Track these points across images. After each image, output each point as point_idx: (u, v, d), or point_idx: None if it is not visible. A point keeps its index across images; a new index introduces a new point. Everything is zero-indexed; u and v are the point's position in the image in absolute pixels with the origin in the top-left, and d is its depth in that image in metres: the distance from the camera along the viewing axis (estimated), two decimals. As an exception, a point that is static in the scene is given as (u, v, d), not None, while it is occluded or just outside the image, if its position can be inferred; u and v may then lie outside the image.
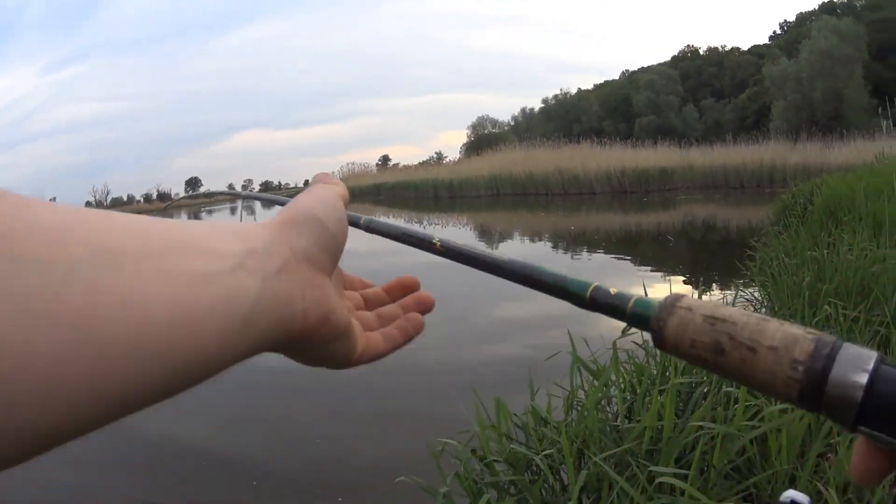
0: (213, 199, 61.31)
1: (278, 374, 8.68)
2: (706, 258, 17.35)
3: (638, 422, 4.05)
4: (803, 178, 20.98)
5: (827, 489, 3.64)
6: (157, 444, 6.89)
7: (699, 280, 13.43)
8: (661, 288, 5.70)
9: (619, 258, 17.88)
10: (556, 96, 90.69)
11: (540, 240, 23.39)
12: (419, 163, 65.45)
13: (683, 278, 14.16)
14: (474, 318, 12.08)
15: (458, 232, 27.39)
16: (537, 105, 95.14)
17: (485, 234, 26.60)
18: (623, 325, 0.71)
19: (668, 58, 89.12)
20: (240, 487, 6.14)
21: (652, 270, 15.42)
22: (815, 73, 52.55)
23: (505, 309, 12.60)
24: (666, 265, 16.37)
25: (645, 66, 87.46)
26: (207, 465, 6.65)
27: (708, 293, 6.35)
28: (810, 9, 78.60)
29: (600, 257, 18.35)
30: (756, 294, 7.91)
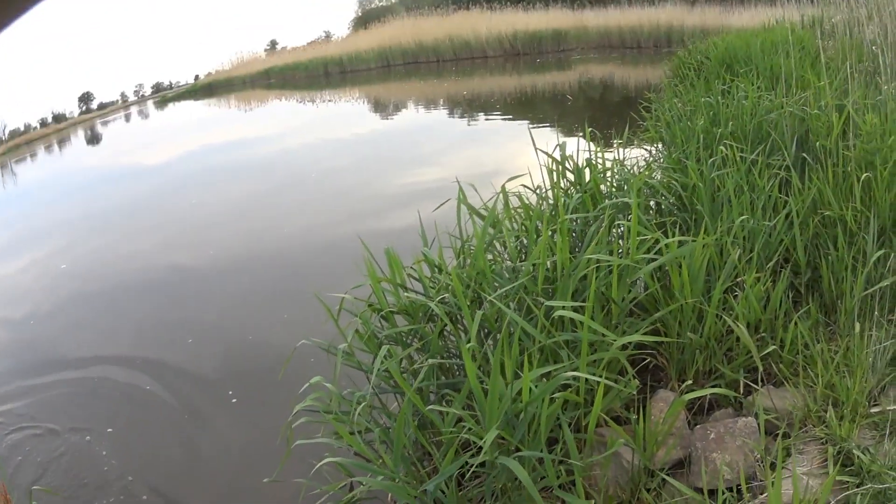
0: (106, 110, 59.80)
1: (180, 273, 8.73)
2: (605, 115, 17.21)
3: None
4: (701, 38, 21.05)
5: (737, 324, 3.67)
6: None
7: (600, 135, 13.49)
8: (567, 143, 5.67)
9: (516, 120, 17.79)
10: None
11: (435, 107, 23.21)
12: (307, 43, 63.99)
13: (582, 135, 14.20)
14: (366, 188, 12.00)
15: (352, 107, 27.08)
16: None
17: (379, 106, 26.34)
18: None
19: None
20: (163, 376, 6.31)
21: (551, 129, 15.36)
22: None
23: (399, 176, 12.56)
24: (565, 124, 16.26)
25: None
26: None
27: (608, 148, 6.32)
28: None
29: (497, 121, 18.28)
30: (654, 146, 7.88)
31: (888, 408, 3.28)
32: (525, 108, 20.29)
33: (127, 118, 52.34)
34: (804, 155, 5.73)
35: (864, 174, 4.70)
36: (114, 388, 6.36)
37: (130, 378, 6.45)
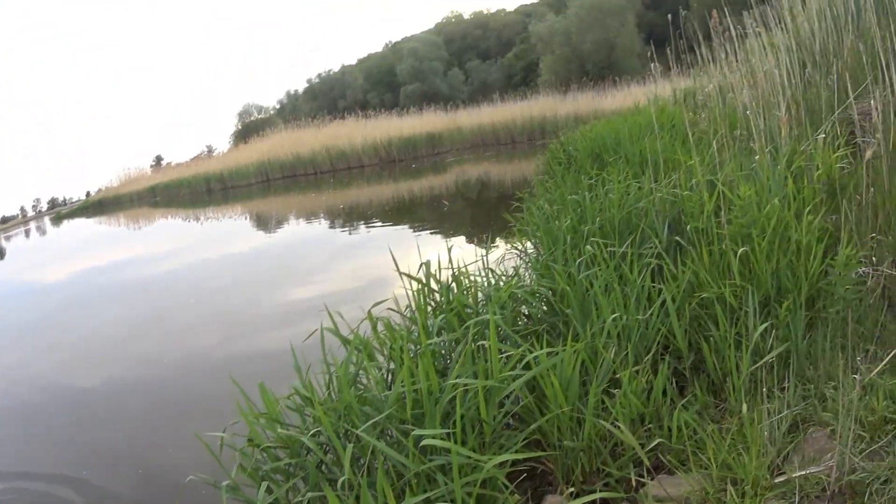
0: (7, 224, 59.69)
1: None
2: (483, 215, 17.50)
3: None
4: (574, 126, 21.42)
5: (616, 424, 3.75)
6: None
7: (478, 238, 13.66)
8: (440, 249, 5.77)
9: (396, 228, 17.96)
10: (319, 75, 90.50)
11: (315, 220, 23.30)
12: (191, 158, 64.64)
13: (464, 238, 14.46)
14: (249, 309, 12.02)
15: (235, 224, 27.09)
16: (302, 86, 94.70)
17: (261, 221, 26.38)
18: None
19: (431, 25, 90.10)
20: None
21: (431, 234, 15.63)
22: (584, 26, 54.04)
23: (281, 294, 12.61)
24: (444, 227, 16.54)
25: (409, 35, 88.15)
26: None
27: (488, 249, 6.38)
28: None
29: (377, 229, 18.42)
30: (524, 249, 7.84)
31: (793, 475, 3.30)
32: (403, 214, 20.52)
33: (27, 233, 52.30)
34: (677, 238, 5.76)
35: (741, 249, 4.72)
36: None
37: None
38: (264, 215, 28.20)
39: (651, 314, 4.52)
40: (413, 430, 3.57)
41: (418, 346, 4.46)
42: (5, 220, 58.99)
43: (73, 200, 64.50)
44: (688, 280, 4.76)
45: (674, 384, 4.32)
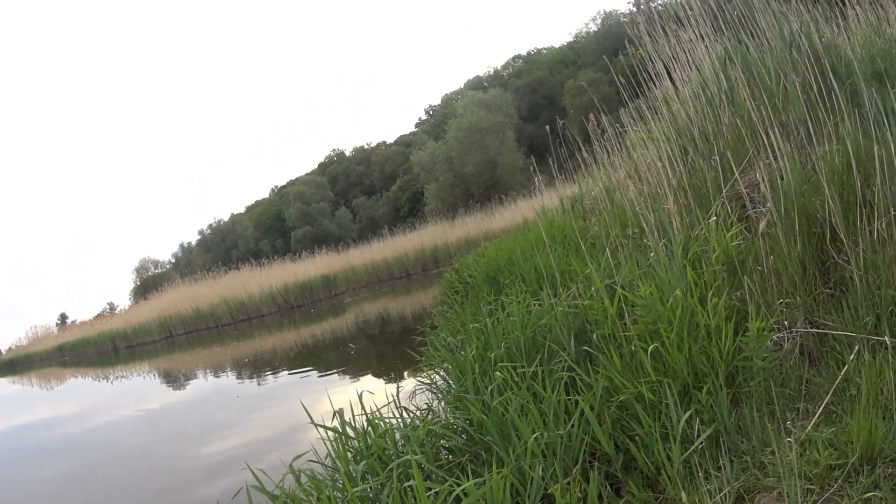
0: None
1: None
2: (389, 352, 17.64)
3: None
4: (466, 250, 21.67)
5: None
6: None
7: (387, 375, 14.12)
8: (350, 391, 6.13)
9: (303, 374, 18.12)
10: (210, 225, 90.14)
11: (223, 372, 23.36)
12: (94, 316, 64.00)
13: (371, 376, 14.79)
14: (169, 465, 12.15)
15: (144, 381, 26.98)
16: (195, 238, 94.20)
17: (169, 378, 26.31)
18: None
19: (315, 166, 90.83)
20: None
21: (339, 377, 15.72)
22: (464, 149, 54.00)
23: (197, 450, 12.74)
24: (352, 369, 16.65)
25: (293, 178, 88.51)
26: None
27: (398, 388, 6.74)
28: (456, 88, 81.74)
29: (284, 378, 18.52)
30: (437, 377, 7.93)
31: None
32: (309, 360, 20.58)
33: None
34: (586, 348, 5.71)
35: (651, 345, 4.76)
36: None
37: None
38: (172, 371, 28.02)
39: (572, 425, 4.54)
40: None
41: (345, 494, 4.55)
42: None
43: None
44: (602, 386, 4.80)
45: (608, 487, 4.38)
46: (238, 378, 21.29)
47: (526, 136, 59.43)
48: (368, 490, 4.69)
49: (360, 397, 6.07)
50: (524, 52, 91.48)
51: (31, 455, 16.04)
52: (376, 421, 5.60)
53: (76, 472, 13.12)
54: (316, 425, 5.60)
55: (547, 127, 8.77)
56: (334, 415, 5.75)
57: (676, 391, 4.46)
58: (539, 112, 61.47)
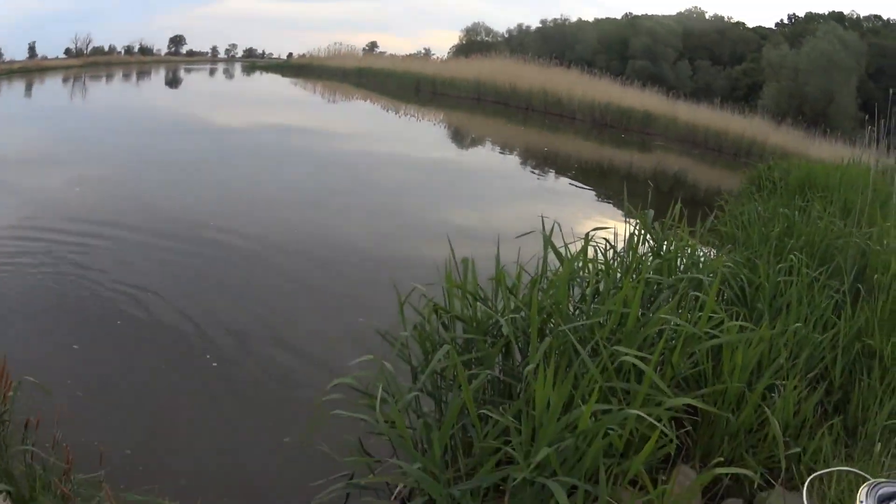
0: (194, 58, 60.25)
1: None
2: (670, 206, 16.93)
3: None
4: (783, 158, 20.76)
5: (773, 418, 3.75)
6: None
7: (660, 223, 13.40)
8: (618, 224, 5.80)
9: (584, 188, 17.73)
10: (554, 20, 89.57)
11: (510, 153, 23.15)
12: (406, 55, 64.62)
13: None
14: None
15: (432, 129, 27.11)
16: (535, 24, 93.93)
17: (458, 135, 26.37)
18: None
19: (672, 12, 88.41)
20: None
21: (614, 208, 15.19)
22: (813, 68, 52.24)
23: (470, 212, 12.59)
24: (636, 205, 16.00)
25: (648, 13, 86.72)
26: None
27: (698, 227, 6.42)
28: (821, 11, 78.42)
29: (564, 182, 18.21)
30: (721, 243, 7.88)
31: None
32: (602, 178, 20.27)
33: (212, 72, 52.59)
34: (859, 285, 5.96)
35: None
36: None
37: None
38: (463, 130, 28.13)
39: (823, 340, 4.75)
40: (609, 347, 3.61)
41: (635, 276, 4.49)
42: (192, 53, 58.99)
43: (272, 56, 64.25)
44: (859, 326, 4.99)
45: (816, 412, 4.43)
46: (522, 163, 21.02)
47: (864, 91, 55.77)
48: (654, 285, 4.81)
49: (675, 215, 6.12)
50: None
51: (293, 157, 16.17)
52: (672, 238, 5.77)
53: (337, 186, 13.17)
54: (628, 208, 6.13)
55: (890, 91, 9.24)
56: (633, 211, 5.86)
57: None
58: (880, 77, 57.35)
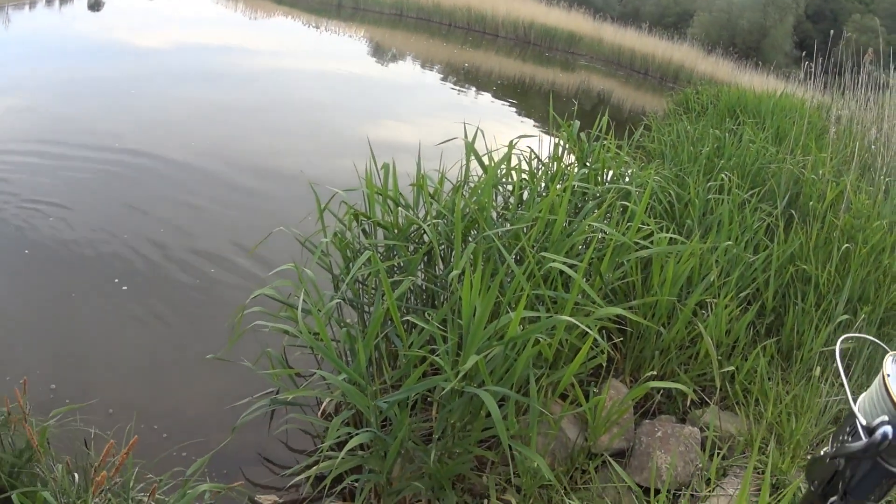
0: None
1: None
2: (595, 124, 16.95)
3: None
4: (708, 84, 20.96)
5: (706, 335, 3.75)
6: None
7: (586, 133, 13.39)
8: (543, 136, 5.79)
9: (505, 104, 17.71)
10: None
11: (431, 68, 22.95)
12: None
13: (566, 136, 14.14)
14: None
15: (354, 44, 26.79)
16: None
17: (379, 51, 26.08)
18: None
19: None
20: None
21: (534, 125, 15.28)
22: (747, 3, 52.84)
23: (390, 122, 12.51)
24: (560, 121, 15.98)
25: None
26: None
27: (625, 143, 6.43)
28: None
29: (486, 99, 18.13)
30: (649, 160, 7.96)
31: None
32: (518, 95, 20.05)
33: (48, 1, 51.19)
34: (792, 211, 6.09)
35: (846, 245, 4.99)
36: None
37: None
38: (385, 45, 27.87)
39: (755, 260, 4.75)
40: (536, 253, 3.54)
41: (561, 182, 4.47)
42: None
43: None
44: (792, 250, 5.06)
45: (749, 334, 4.49)
46: (442, 78, 20.87)
47: (801, 31, 56.58)
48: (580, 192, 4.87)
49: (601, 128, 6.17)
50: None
51: (212, 77, 15.67)
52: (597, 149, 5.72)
53: (257, 104, 12.96)
54: (554, 117, 5.89)
55: (831, 32, 9.50)
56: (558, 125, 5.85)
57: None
58: (819, 19, 58.25)
